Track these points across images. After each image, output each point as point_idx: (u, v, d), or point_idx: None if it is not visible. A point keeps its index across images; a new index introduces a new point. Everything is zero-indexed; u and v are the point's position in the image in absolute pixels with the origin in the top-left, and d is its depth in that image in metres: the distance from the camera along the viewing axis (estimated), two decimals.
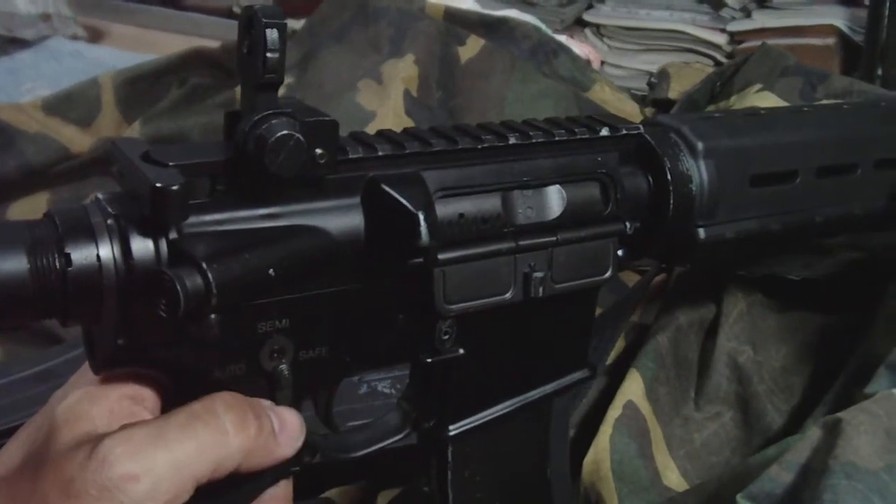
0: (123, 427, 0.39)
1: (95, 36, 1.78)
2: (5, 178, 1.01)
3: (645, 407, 0.65)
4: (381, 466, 0.52)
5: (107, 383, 0.42)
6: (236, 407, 0.41)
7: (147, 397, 0.42)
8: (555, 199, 0.50)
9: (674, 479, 0.64)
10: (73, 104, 1.08)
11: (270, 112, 0.40)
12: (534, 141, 0.50)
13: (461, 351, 0.49)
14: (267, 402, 0.44)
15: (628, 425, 0.63)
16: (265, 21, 0.38)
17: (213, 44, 1.22)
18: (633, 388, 0.66)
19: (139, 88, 1.13)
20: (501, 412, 0.52)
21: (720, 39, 2.21)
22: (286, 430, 0.43)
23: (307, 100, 1.04)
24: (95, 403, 0.41)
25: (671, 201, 0.56)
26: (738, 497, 0.51)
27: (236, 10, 2.34)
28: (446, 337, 0.48)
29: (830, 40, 2.08)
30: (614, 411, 0.64)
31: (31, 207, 1.02)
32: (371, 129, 0.95)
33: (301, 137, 0.40)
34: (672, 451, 0.66)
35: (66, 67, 1.46)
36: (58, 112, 1.07)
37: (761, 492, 0.51)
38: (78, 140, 1.06)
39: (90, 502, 0.37)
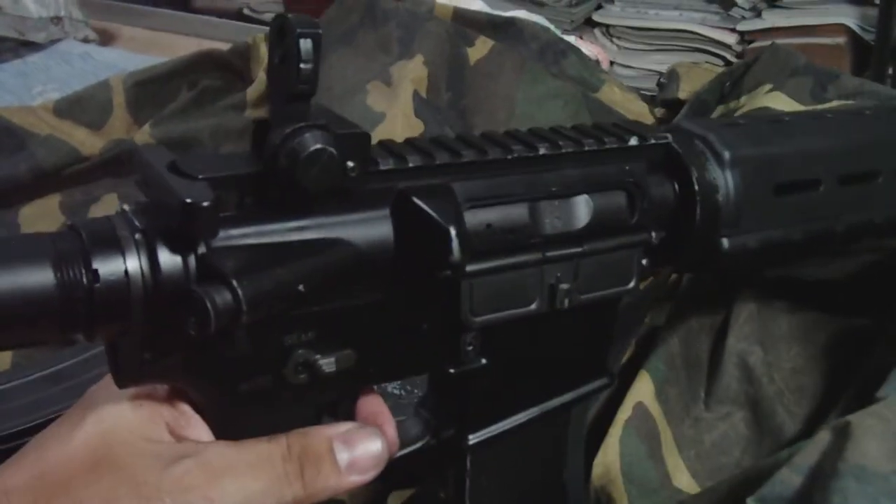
0: (198, 449, 0.41)
1: (106, 38, 1.79)
2: (17, 180, 1.01)
3: (655, 408, 0.65)
4: (401, 472, 0.52)
5: (151, 395, 0.43)
6: (295, 456, 0.43)
7: (187, 410, 0.43)
8: (582, 209, 0.50)
9: (684, 480, 0.64)
10: (83, 107, 1.09)
11: (303, 125, 0.39)
12: (563, 151, 0.50)
13: (484, 361, 0.49)
14: (341, 432, 0.44)
15: (638, 427, 0.63)
16: (299, 31, 0.38)
17: (223, 46, 1.22)
18: (642, 390, 0.66)
19: (150, 91, 1.13)
20: (521, 421, 0.52)
21: (730, 39, 2.21)
22: (356, 464, 0.44)
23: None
24: (152, 421, 0.42)
25: (698, 211, 0.55)
26: (749, 500, 0.51)
27: (246, 11, 2.34)
28: (470, 348, 0.48)
29: (841, 39, 2.07)
30: (624, 413, 0.64)
31: (42, 210, 1.02)
32: (380, 131, 0.95)
33: (334, 151, 0.40)
34: (682, 452, 0.65)
35: (76, 70, 1.46)
36: (69, 114, 1.07)
37: (771, 495, 0.50)
38: (89, 142, 1.06)
39: None
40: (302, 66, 0.38)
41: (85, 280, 0.37)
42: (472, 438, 0.51)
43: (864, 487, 0.48)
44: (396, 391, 0.72)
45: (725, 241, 0.57)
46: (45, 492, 0.39)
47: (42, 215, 1.01)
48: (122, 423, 0.41)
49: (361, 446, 0.44)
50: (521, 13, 1.31)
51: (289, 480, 0.42)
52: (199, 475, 0.40)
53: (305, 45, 0.38)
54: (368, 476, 0.45)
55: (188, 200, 0.36)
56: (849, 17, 2.08)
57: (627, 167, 0.52)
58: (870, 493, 0.47)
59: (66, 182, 1.05)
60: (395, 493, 0.67)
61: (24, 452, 0.42)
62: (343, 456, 0.44)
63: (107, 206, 1.02)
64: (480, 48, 1.07)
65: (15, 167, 1.01)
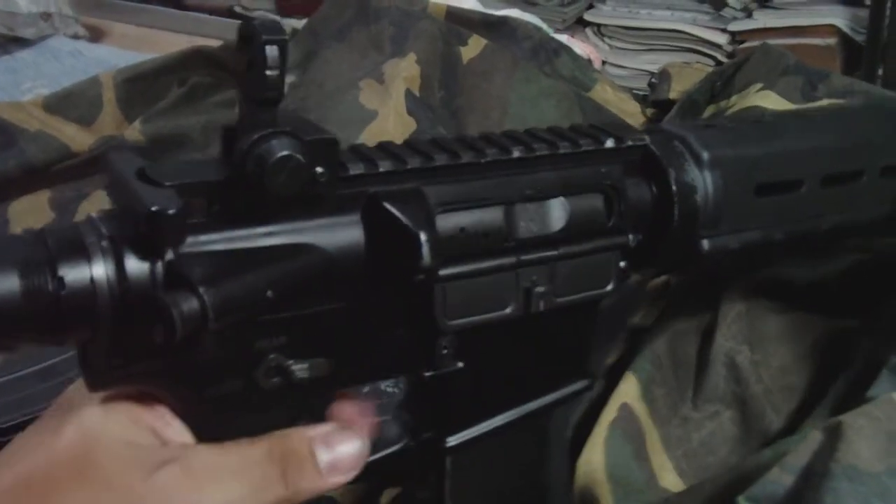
0: (181, 453, 0.41)
1: (96, 35, 1.78)
2: (6, 176, 1.01)
3: (640, 409, 0.65)
4: (382, 474, 0.52)
5: (130, 396, 0.42)
6: (276, 458, 0.43)
7: (166, 412, 0.43)
8: (557, 212, 0.50)
9: (670, 479, 0.64)
10: (73, 103, 1.08)
11: (270, 131, 0.39)
12: (537, 154, 0.49)
13: (460, 364, 0.49)
14: (321, 433, 0.44)
15: (623, 428, 0.63)
16: (265, 38, 0.38)
17: (213, 43, 1.21)
18: (628, 391, 0.66)
19: (140, 87, 1.13)
20: (500, 423, 0.52)
21: (721, 39, 2.21)
22: (337, 466, 0.44)
23: (309, 99, 1.05)
24: (134, 423, 0.41)
25: (676, 212, 0.55)
26: (740, 499, 0.51)
27: (237, 9, 2.34)
28: (446, 351, 0.48)
29: (832, 40, 2.08)
30: (609, 414, 0.64)
31: (31, 206, 1.02)
32: (372, 129, 0.95)
33: (302, 157, 0.40)
34: (669, 451, 0.66)
35: (66, 66, 1.45)
36: (59, 111, 1.07)
37: (762, 494, 0.51)
38: (79, 139, 1.06)
39: None
40: (268, 72, 0.38)
41: (51, 287, 0.37)
42: (451, 440, 0.51)
43: (856, 487, 0.48)
44: (390, 389, 0.71)
45: (706, 242, 0.57)
46: (30, 501, 0.39)
47: (32, 211, 1.01)
48: (104, 429, 0.41)
49: (342, 447, 0.45)
50: (513, 12, 1.31)
51: (271, 483, 0.42)
52: (183, 481, 0.40)
53: (272, 51, 0.38)
54: (349, 476, 0.45)
55: (154, 209, 0.36)
56: (839, 18, 2.09)
57: (604, 169, 0.52)
58: (862, 492, 0.48)
59: (56, 178, 1.05)
60: (387, 491, 0.67)
61: (5, 457, 0.42)
62: (324, 457, 0.44)
63: (97, 202, 1.01)
64: (473, 47, 1.07)
65: (4, 163, 1.01)
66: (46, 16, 1.58)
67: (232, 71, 1.18)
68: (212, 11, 2.18)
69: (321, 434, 0.44)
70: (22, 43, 1.54)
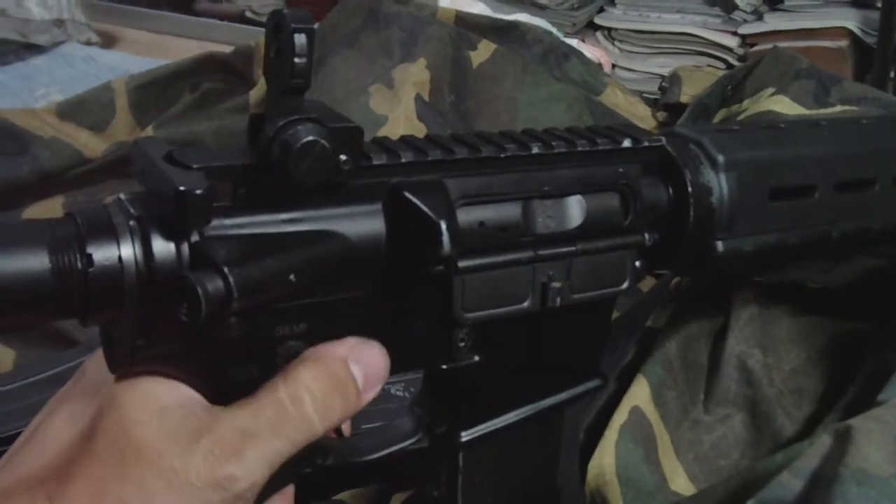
0: (216, 421, 0.41)
1: (109, 41, 1.79)
2: (20, 182, 1.01)
3: (651, 412, 0.65)
4: (395, 470, 0.53)
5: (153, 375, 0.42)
6: (319, 392, 0.42)
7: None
8: (575, 209, 0.50)
9: (681, 483, 0.64)
10: (86, 109, 1.09)
11: (296, 117, 0.40)
12: (556, 151, 0.50)
13: (476, 358, 0.49)
14: (345, 351, 0.44)
15: (634, 431, 0.63)
16: (294, 26, 0.38)
17: (225, 49, 1.22)
18: (639, 394, 0.66)
19: (152, 93, 1.13)
20: (513, 420, 0.53)
21: (732, 42, 2.21)
22: (370, 380, 0.44)
23: None
24: (158, 384, 0.41)
25: (691, 213, 0.55)
26: (749, 503, 0.51)
27: (248, 14, 2.35)
28: (462, 344, 0.48)
29: (843, 42, 2.08)
30: (620, 417, 0.64)
31: (45, 211, 1.02)
32: (382, 134, 0.95)
33: (326, 144, 0.40)
34: (680, 455, 0.66)
35: (79, 72, 1.46)
36: (72, 117, 1.08)
37: (772, 498, 0.50)
38: (92, 144, 1.06)
39: (192, 492, 0.39)
40: (296, 60, 0.38)
41: (79, 265, 0.38)
42: (465, 436, 0.51)
43: (866, 491, 0.48)
44: (399, 392, 0.72)
45: (720, 244, 0.57)
46: (77, 490, 0.39)
47: (45, 217, 1.01)
48: (133, 403, 0.40)
49: (369, 359, 0.44)
50: (523, 16, 1.31)
51: (321, 417, 0.42)
52: (221, 452, 0.39)
53: (300, 39, 0.38)
54: (377, 391, 0.44)
55: (182, 188, 0.37)
56: (850, 21, 2.08)
57: (621, 169, 0.52)
58: (871, 496, 0.48)
59: (70, 184, 1.05)
60: (397, 495, 0.67)
61: (30, 446, 0.42)
62: (359, 374, 0.44)
63: None
64: (483, 52, 1.07)
65: (18, 169, 1.01)
66: (59, 22, 1.59)
67: (240, 75, 1.18)
68: (223, 17, 2.20)
69: (348, 351, 0.44)
70: (35, 49, 1.55)
